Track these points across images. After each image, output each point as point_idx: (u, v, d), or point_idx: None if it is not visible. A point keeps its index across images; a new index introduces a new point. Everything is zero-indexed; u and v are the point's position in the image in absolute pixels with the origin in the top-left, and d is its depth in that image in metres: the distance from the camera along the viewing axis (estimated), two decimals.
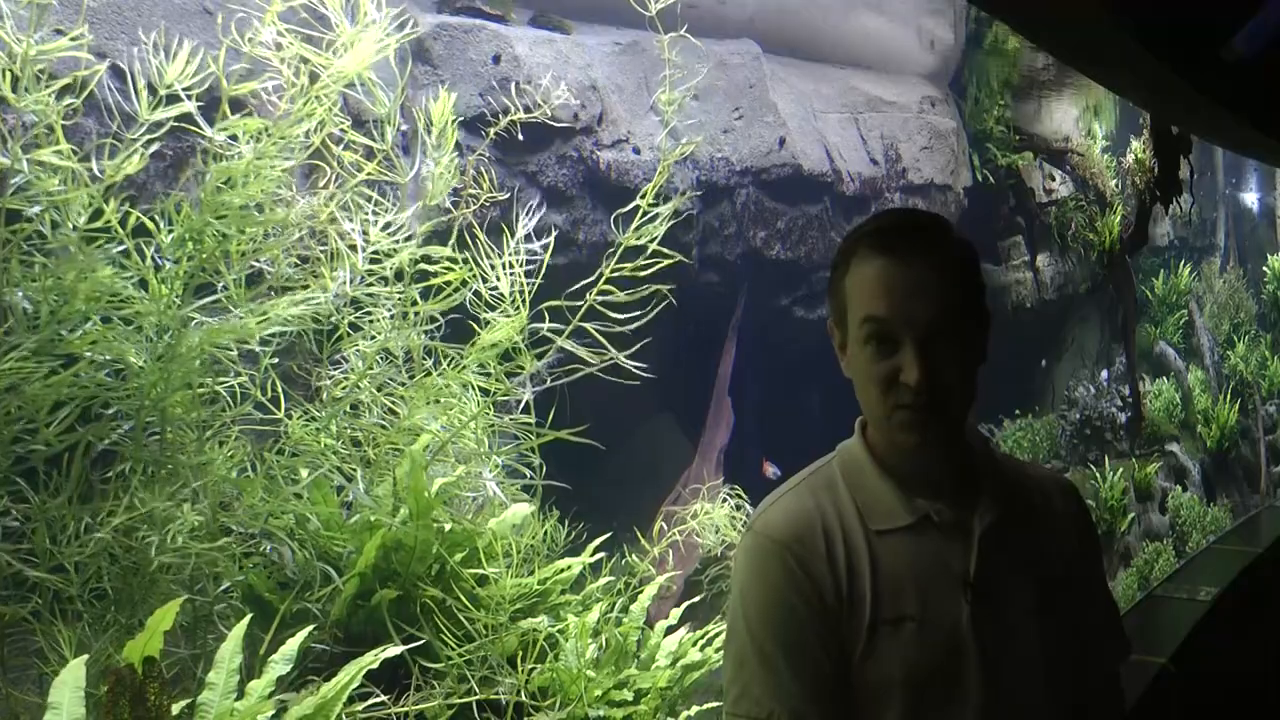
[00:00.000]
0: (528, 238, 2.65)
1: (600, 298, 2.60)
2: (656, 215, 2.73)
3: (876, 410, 1.32)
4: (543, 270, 2.62)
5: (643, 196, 2.75)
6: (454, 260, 2.58)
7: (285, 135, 2.33)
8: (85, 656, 1.85)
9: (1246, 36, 3.11)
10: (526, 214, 2.67)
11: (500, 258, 2.62)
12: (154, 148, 2.20)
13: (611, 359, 2.58)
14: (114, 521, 2.05)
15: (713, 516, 3.42)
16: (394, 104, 2.59)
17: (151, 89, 2.19)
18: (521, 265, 2.61)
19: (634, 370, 2.58)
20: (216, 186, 2.23)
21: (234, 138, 2.29)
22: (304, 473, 2.40)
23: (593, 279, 2.62)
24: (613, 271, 2.64)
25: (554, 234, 2.74)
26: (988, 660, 1.32)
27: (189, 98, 2.22)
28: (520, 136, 3.32)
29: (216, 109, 2.28)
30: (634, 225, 2.72)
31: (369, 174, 2.56)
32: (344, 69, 2.43)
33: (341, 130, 2.55)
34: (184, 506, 2.17)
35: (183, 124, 2.30)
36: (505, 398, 2.64)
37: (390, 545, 2.39)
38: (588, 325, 2.58)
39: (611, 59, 4.14)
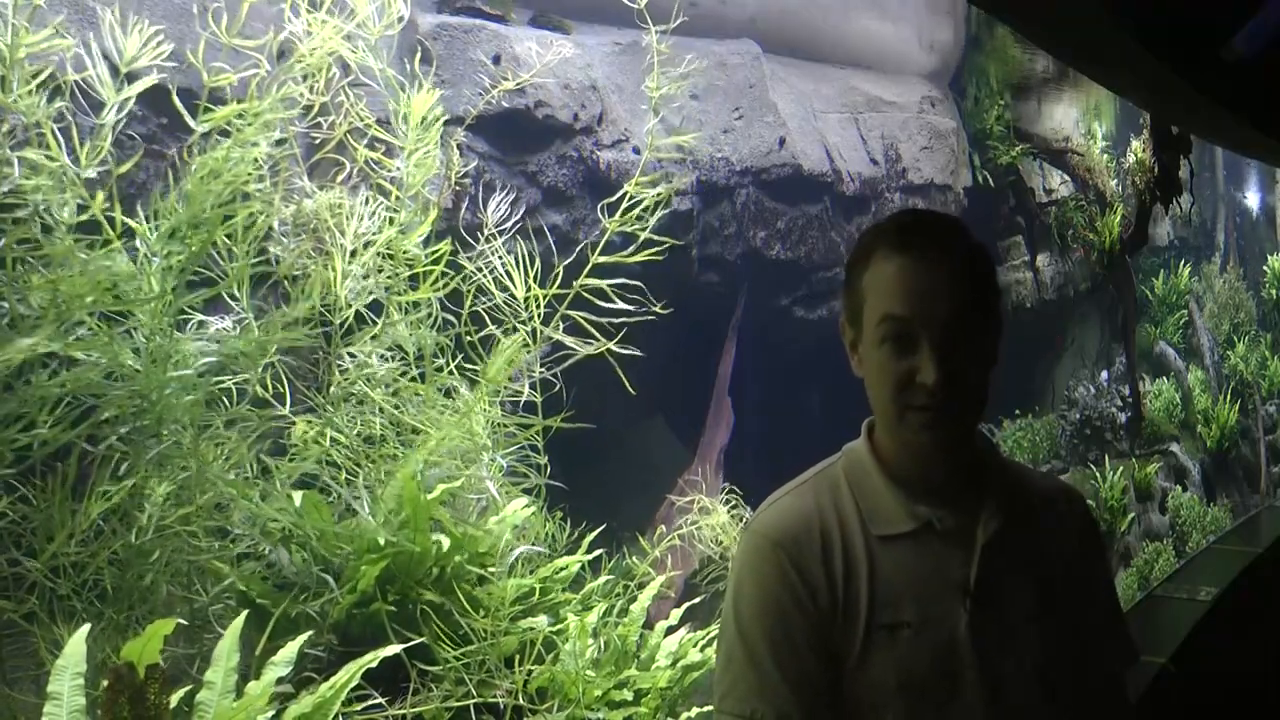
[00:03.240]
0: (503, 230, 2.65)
1: (590, 286, 2.60)
2: (645, 203, 2.71)
3: (889, 411, 1.31)
4: (557, 274, 2.61)
5: (631, 185, 2.74)
6: (456, 262, 2.58)
7: (262, 116, 2.30)
8: (85, 630, 1.84)
9: (1246, 36, 3.11)
10: (499, 204, 2.67)
11: (503, 255, 2.62)
12: (115, 133, 2.19)
13: (610, 349, 2.57)
14: (98, 513, 2.05)
15: (711, 520, 3.41)
16: (415, 101, 2.58)
17: (127, 76, 2.18)
18: (535, 274, 2.60)
19: (631, 355, 2.58)
20: (200, 177, 2.22)
21: (225, 132, 2.28)
22: (295, 489, 2.40)
23: (586, 270, 2.62)
24: (596, 263, 2.64)
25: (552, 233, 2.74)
26: (986, 668, 1.31)
27: (186, 96, 2.22)
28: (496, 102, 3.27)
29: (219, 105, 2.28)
30: (620, 211, 2.71)
31: (375, 172, 2.56)
32: (321, 45, 2.41)
33: (365, 125, 2.56)
34: (159, 489, 2.15)
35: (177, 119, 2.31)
36: (509, 398, 2.64)
37: (390, 554, 2.38)
38: (577, 314, 2.58)
39: (611, 59, 4.14)
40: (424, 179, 2.63)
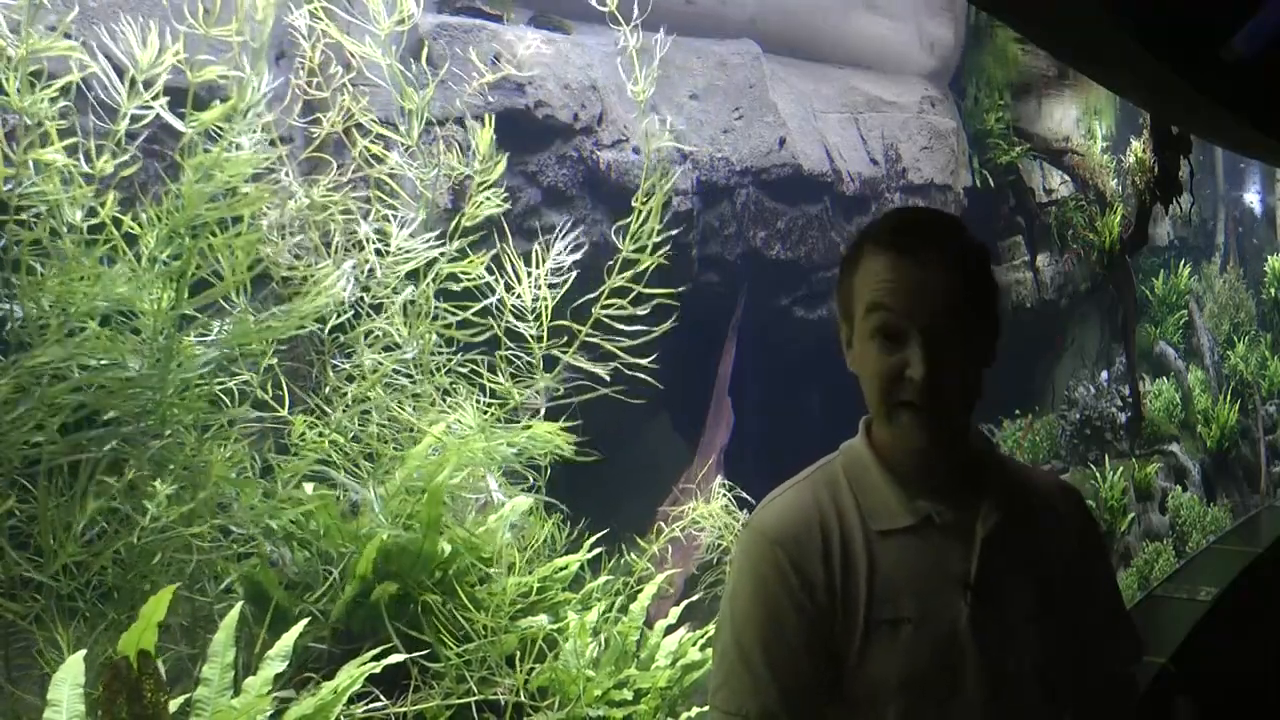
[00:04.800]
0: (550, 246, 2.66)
1: (606, 311, 2.61)
2: (654, 215, 2.72)
3: (880, 406, 1.31)
4: (568, 280, 2.62)
5: (636, 200, 2.73)
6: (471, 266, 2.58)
7: (251, 112, 2.30)
8: (83, 652, 1.84)
9: (1246, 36, 3.11)
10: (560, 237, 2.67)
11: (512, 260, 2.62)
12: (138, 142, 2.19)
13: (619, 368, 2.59)
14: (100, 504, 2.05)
15: (710, 517, 3.41)
16: (424, 100, 2.58)
17: (142, 84, 2.18)
18: (545, 279, 2.61)
19: (643, 379, 2.59)
20: (196, 180, 2.22)
21: (219, 130, 2.28)
22: (308, 485, 2.41)
23: (597, 294, 2.62)
24: (613, 278, 2.64)
25: (576, 238, 2.73)
26: (987, 663, 1.31)
27: (186, 94, 2.21)
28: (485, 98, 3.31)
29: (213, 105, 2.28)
30: (630, 231, 2.70)
31: (379, 169, 2.56)
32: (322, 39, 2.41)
33: (366, 122, 2.56)
34: (161, 488, 2.15)
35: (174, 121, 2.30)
36: (516, 407, 2.64)
37: (393, 551, 2.39)
38: (595, 338, 2.58)
39: (611, 59, 4.13)
40: (486, 211, 2.62)
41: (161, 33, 2.19)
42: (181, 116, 2.23)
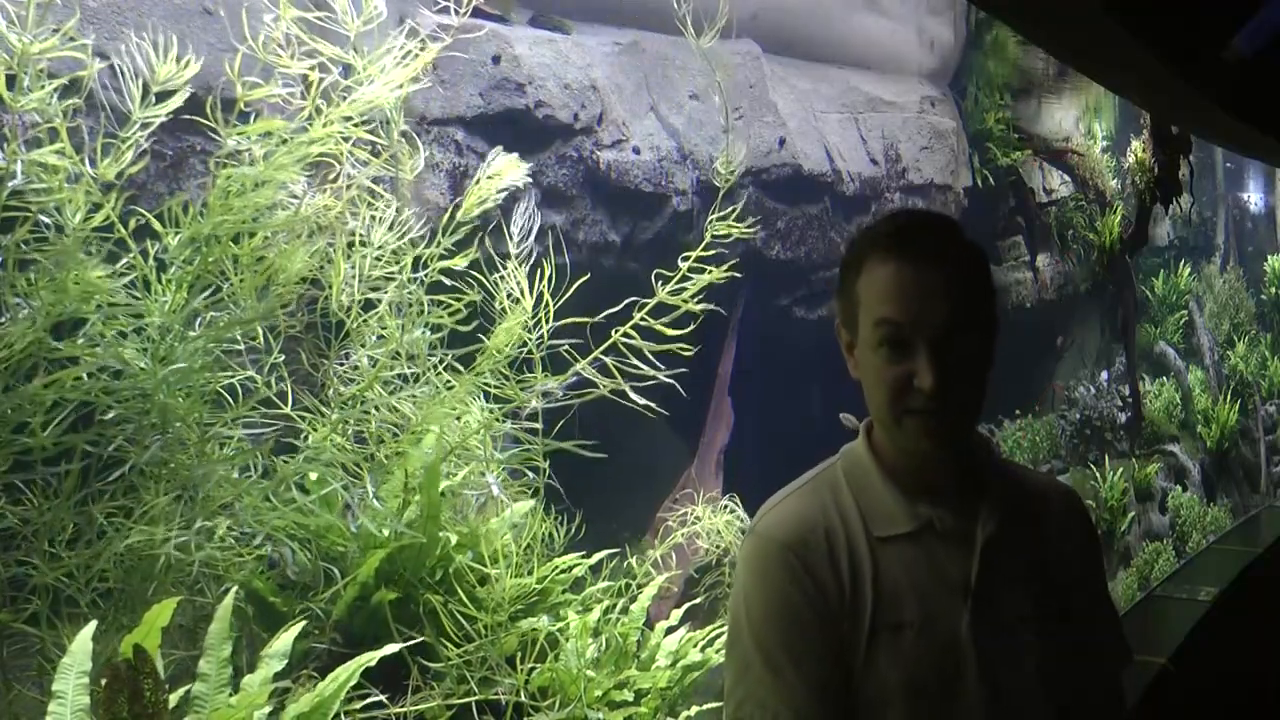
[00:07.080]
0: (527, 235, 2.65)
1: (626, 339, 2.61)
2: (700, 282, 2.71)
3: (886, 415, 1.31)
4: (572, 280, 2.61)
5: (685, 259, 2.72)
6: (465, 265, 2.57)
7: (298, 148, 2.31)
8: (90, 627, 1.83)
9: (1246, 36, 3.12)
10: (525, 214, 2.67)
11: (510, 261, 2.62)
12: (146, 145, 2.19)
13: (631, 381, 2.59)
14: (125, 527, 2.05)
15: (710, 520, 3.41)
16: (400, 98, 2.58)
17: (146, 88, 2.18)
18: (542, 275, 2.61)
19: (646, 381, 2.60)
20: (225, 191, 2.22)
21: (245, 137, 2.28)
22: (312, 477, 2.40)
23: (620, 309, 2.63)
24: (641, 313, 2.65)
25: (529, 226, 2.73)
26: (987, 668, 1.31)
27: (187, 96, 2.21)
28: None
29: (220, 111, 2.28)
30: (673, 282, 2.69)
31: (374, 171, 2.56)
32: (372, 97, 2.41)
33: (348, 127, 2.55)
34: (194, 507, 2.15)
35: (188, 122, 2.30)
36: (517, 408, 2.64)
37: (394, 550, 2.38)
38: (609, 360, 2.59)
39: (611, 59, 4.14)
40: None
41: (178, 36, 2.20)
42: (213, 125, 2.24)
